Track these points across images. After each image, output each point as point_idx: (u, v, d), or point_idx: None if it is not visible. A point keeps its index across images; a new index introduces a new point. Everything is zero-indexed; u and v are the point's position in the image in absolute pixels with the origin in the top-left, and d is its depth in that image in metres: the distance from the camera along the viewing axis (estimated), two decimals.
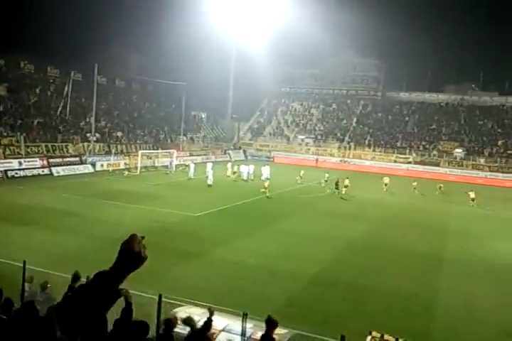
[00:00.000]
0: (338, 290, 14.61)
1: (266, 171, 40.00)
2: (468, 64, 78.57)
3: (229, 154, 63.71)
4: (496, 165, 57.74)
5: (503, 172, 56.10)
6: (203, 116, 77.56)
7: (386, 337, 7.77)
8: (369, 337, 7.84)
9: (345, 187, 34.18)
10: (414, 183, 38.17)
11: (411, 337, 8.19)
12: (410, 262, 18.32)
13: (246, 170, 40.61)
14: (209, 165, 38.97)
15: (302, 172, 39.93)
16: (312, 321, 11.06)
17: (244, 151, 67.57)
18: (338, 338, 7.22)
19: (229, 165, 42.85)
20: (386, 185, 37.90)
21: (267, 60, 67.30)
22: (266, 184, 32.57)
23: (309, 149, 67.17)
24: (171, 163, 45.16)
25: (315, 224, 24.42)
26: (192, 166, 39.46)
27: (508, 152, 60.03)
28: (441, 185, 38.23)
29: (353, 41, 75.98)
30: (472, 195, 33.47)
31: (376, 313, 12.61)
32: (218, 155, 61.83)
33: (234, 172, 40.56)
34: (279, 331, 7.95)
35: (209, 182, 34.54)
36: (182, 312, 8.39)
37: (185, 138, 60.89)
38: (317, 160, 61.90)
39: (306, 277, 15.52)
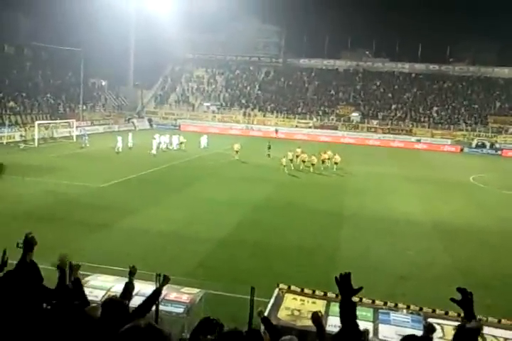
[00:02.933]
0: (246, 249, 15.42)
1: (204, 140, 42.42)
2: (362, 31, 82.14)
3: (133, 123, 62.36)
4: (388, 127, 62.47)
5: (393, 133, 61.10)
6: (103, 83, 74.42)
7: (293, 287, 8.35)
8: (277, 290, 8.32)
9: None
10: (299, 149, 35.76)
11: (315, 287, 8.67)
12: (313, 219, 19.74)
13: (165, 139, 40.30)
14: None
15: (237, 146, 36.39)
16: (223, 280, 11.61)
17: (150, 120, 66.42)
18: (248, 293, 7.69)
19: (156, 136, 38.92)
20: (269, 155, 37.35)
21: (169, 25, 65.60)
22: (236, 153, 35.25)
23: (215, 116, 67.66)
24: (84, 135, 40.71)
25: (223, 189, 25.39)
26: (119, 138, 36.74)
27: (398, 115, 65.02)
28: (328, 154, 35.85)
29: (254, 7, 76.18)
30: (337, 158, 33.72)
31: (283, 268, 13.57)
32: (121, 124, 60.33)
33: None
34: (191, 291, 8.68)
35: (153, 151, 36.31)
36: (93, 280, 8.46)
37: (84, 107, 58.61)
38: (277, 131, 60.58)
39: (216, 240, 16.32)
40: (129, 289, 5.00)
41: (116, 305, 3.45)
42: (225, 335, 3.40)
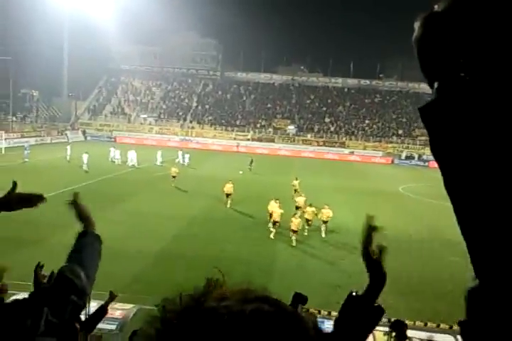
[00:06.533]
0: (182, 263, 15.32)
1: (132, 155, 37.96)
2: (298, 47, 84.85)
3: (66, 135, 60.37)
4: (322, 140, 64.31)
5: (327, 146, 62.98)
6: (35, 94, 71.85)
7: None
8: None
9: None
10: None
11: None
12: (248, 231, 20.04)
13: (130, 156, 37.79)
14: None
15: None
16: (159, 295, 11.69)
17: (84, 132, 64.61)
18: None
19: (68, 147, 38.30)
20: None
21: (105, 36, 64.66)
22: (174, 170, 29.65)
23: (152, 128, 66.85)
24: (26, 148, 36.58)
25: (158, 203, 25.08)
26: (85, 156, 33.85)
27: (332, 128, 67.15)
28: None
29: (192, 20, 76.59)
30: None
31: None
32: (54, 136, 58.24)
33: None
34: (124, 306, 8.53)
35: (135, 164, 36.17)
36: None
37: (14, 118, 56.16)
38: (238, 145, 60.51)
39: (152, 254, 16.05)
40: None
41: None
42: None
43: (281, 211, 20.01)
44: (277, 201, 21.03)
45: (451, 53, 0.67)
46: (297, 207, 22.55)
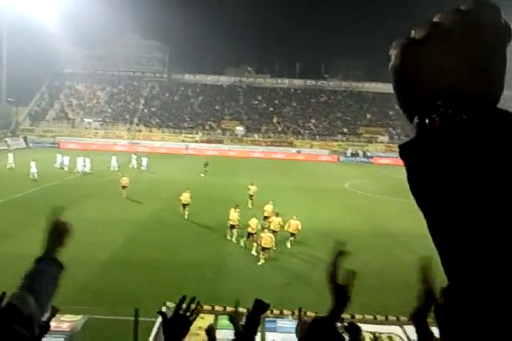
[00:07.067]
0: (131, 269, 15.07)
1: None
2: (244, 49, 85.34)
3: (6, 142, 57.94)
4: (270, 140, 64.99)
5: (275, 146, 63.67)
6: None
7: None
8: (164, 308, 8.19)
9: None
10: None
11: (204, 301, 9.11)
12: (199, 234, 19.95)
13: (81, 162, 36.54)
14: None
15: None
16: (107, 303, 11.26)
17: (25, 138, 62.25)
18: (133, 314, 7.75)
19: (10, 155, 37.21)
20: None
21: (45, 39, 62.62)
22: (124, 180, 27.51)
23: (97, 133, 65.25)
24: None
25: (108, 208, 24.54)
26: (33, 163, 32.42)
27: (279, 128, 67.97)
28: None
29: (135, 23, 75.58)
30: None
31: (170, 286, 13.26)
32: None
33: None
34: (72, 318, 8.35)
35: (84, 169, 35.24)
36: None
37: None
38: (187, 147, 60.22)
39: (99, 262, 15.72)
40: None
41: None
42: None
43: (257, 221, 18.02)
44: (237, 210, 19.40)
45: (433, 85, 0.61)
46: (266, 217, 20.22)
